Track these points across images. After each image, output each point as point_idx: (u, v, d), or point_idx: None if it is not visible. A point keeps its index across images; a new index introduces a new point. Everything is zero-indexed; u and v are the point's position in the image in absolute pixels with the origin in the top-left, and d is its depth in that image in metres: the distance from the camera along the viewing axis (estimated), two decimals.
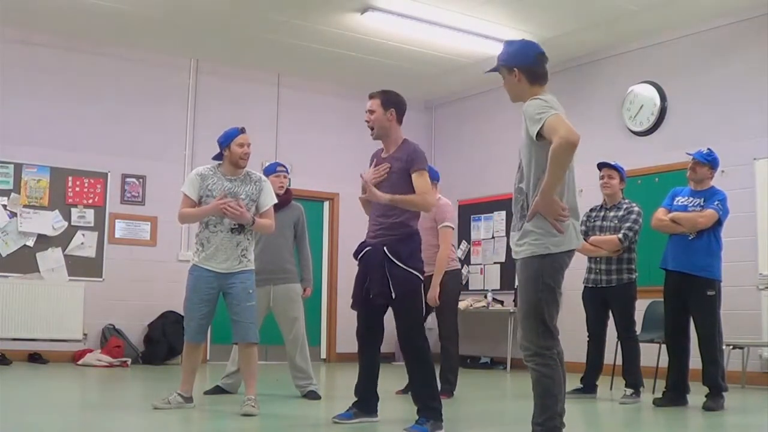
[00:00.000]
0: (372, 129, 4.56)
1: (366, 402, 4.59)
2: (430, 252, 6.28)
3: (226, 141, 5.14)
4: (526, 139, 3.43)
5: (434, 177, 6.54)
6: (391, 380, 6.68)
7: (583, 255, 6.44)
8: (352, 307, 4.58)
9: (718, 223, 5.79)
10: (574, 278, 6.72)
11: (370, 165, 4.68)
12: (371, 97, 4.60)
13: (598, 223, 6.41)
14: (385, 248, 4.36)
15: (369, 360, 4.59)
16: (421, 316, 4.44)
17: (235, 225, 5.04)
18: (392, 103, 4.58)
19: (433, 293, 6.17)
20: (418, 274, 4.37)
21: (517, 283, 3.55)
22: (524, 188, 3.46)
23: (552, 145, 3.24)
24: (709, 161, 5.94)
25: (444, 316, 6.33)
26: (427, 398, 4.29)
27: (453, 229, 6.40)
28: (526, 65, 3.52)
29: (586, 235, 6.42)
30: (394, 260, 4.32)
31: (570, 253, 3.46)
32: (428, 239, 6.32)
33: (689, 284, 5.78)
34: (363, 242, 4.59)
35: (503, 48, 3.63)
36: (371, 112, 4.56)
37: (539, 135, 3.32)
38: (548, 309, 3.39)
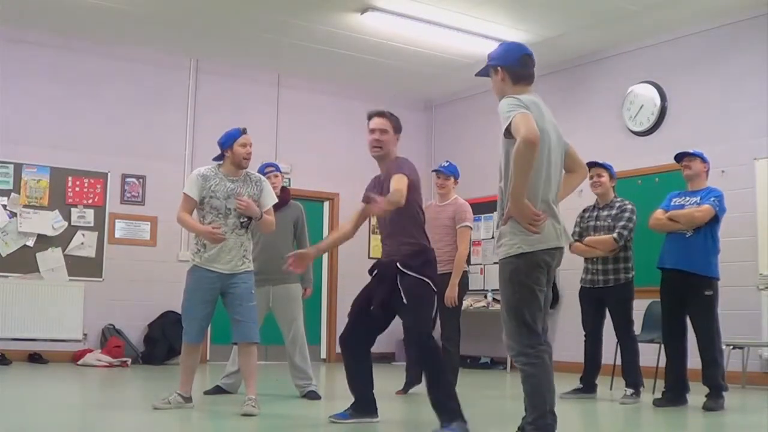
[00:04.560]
0: (380, 148, 4.45)
1: (363, 403, 4.57)
2: (446, 250, 6.29)
3: (227, 142, 5.14)
4: (502, 137, 3.44)
5: (454, 173, 6.54)
6: (392, 380, 6.68)
7: (579, 256, 6.46)
8: (350, 314, 4.58)
9: (716, 220, 5.79)
10: (574, 278, 6.76)
11: (370, 187, 4.58)
12: (380, 115, 4.47)
13: (592, 223, 6.42)
14: (397, 263, 4.34)
15: (354, 362, 4.54)
16: (431, 319, 4.43)
17: (244, 219, 5.06)
18: (399, 129, 4.55)
19: (452, 293, 6.19)
20: (428, 281, 4.33)
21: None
22: (502, 187, 3.47)
23: (515, 145, 3.25)
24: (700, 155, 6.00)
25: (447, 317, 6.33)
26: (445, 399, 4.18)
27: (471, 229, 6.41)
28: (509, 65, 3.58)
29: (580, 236, 6.43)
30: (405, 271, 4.30)
31: (550, 252, 3.44)
32: (446, 238, 6.33)
33: (687, 283, 5.78)
34: (378, 260, 4.65)
35: (491, 51, 3.69)
36: (384, 131, 4.45)
37: (509, 133, 3.33)
38: (528, 308, 3.38)
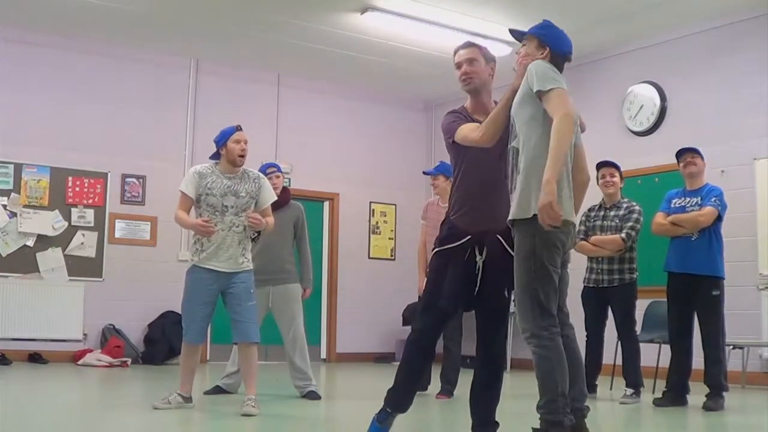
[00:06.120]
0: (471, 81, 3.70)
1: (406, 401, 3.80)
2: None
3: (222, 139, 5.14)
4: (523, 97, 3.39)
5: (443, 172, 6.54)
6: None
7: (584, 255, 6.45)
8: (446, 307, 3.66)
9: (718, 219, 5.82)
10: (575, 278, 6.74)
11: (459, 120, 3.74)
12: (467, 46, 3.77)
13: (599, 222, 6.41)
14: (501, 239, 3.56)
15: (425, 369, 3.83)
16: None
17: (254, 235, 5.09)
18: (492, 57, 3.79)
19: None
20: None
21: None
22: (517, 146, 3.41)
23: (555, 122, 3.22)
24: (700, 153, 6.00)
25: None
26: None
27: None
28: (558, 52, 3.51)
29: (586, 235, 6.42)
30: (512, 252, 3.49)
31: (565, 231, 3.36)
32: None
33: (694, 285, 5.81)
34: (456, 227, 3.63)
35: (544, 25, 3.61)
36: (472, 61, 3.70)
37: (540, 94, 3.29)
38: (543, 289, 3.32)
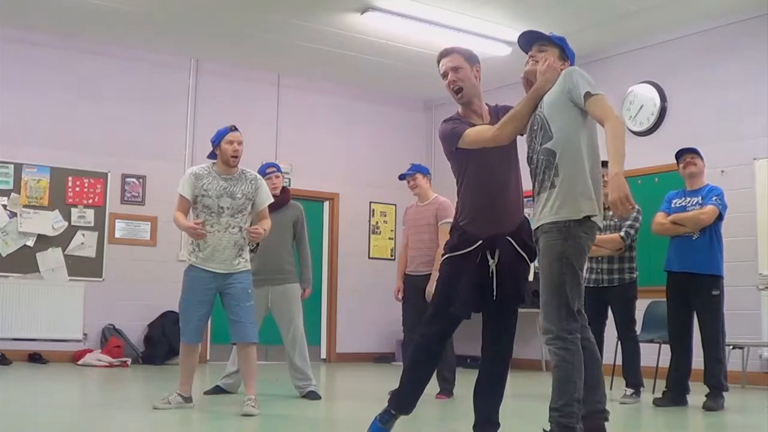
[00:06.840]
0: (460, 90, 3.70)
1: (410, 404, 3.80)
2: (430, 249, 6.28)
3: (217, 139, 5.15)
4: (559, 99, 3.41)
5: (425, 172, 6.59)
6: (391, 382, 6.67)
7: None
8: (460, 313, 3.68)
9: (719, 218, 5.83)
10: None
11: (460, 126, 3.68)
12: (447, 53, 3.74)
13: None
14: (514, 243, 3.59)
15: (432, 372, 3.82)
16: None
17: (253, 246, 5.10)
18: (475, 58, 3.76)
19: (432, 289, 6.15)
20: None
21: (538, 263, 3.47)
22: (552, 148, 3.40)
23: (611, 124, 3.31)
24: (700, 153, 6.00)
25: None
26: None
27: None
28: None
29: None
30: (526, 257, 3.62)
31: (592, 236, 3.43)
32: (429, 237, 6.32)
33: (694, 284, 5.81)
34: (467, 233, 3.61)
35: (562, 38, 3.65)
36: (456, 69, 3.68)
37: (588, 95, 3.35)
38: (572, 291, 3.34)
